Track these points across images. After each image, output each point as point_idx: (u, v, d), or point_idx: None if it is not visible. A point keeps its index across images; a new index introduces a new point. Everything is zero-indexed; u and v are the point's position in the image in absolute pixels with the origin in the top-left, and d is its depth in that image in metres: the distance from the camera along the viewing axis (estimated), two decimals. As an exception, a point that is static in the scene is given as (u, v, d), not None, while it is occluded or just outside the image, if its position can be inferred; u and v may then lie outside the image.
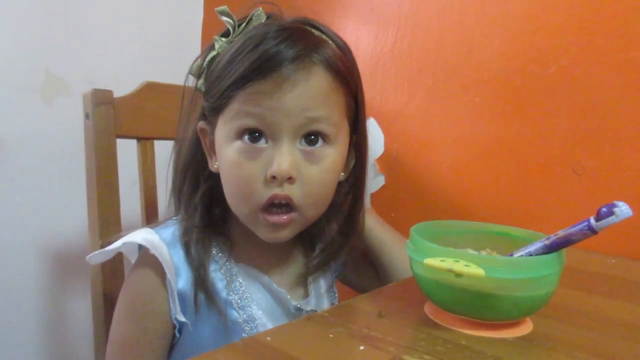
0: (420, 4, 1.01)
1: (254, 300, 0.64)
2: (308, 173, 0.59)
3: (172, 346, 0.65)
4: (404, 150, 1.03)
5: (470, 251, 0.55)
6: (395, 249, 0.75)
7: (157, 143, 0.89)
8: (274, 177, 0.57)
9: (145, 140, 0.87)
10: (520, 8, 0.90)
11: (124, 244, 0.63)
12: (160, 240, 0.62)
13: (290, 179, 0.57)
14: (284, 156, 0.57)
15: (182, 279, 0.61)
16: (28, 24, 1.08)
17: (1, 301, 1.10)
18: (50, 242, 1.15)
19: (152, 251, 0.60)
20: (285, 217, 0.59)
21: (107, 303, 0.78)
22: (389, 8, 1.05)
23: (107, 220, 0.79)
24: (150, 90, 0.87)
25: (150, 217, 0.86)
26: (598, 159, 0.84)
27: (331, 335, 0.46)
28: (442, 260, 0.46)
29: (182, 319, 0.61)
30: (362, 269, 0.79)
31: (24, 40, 1.08)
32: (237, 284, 0.64)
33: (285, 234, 0.62)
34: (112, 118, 0.81)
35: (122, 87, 0.83)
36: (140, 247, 0.66)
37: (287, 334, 0.46)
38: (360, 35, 1.07)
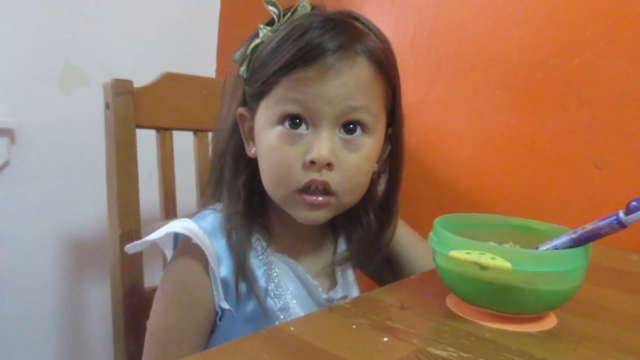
0: (440, -5, 1.00)
1: (288, 289, 0.65)
2: (346, 160, 0.60)
3: (210, 333, 0.65)
4: (423, 143, 1.03)
5: (493, 244, 0.55)
6: (417, 242, 0.75)
7: (175, 133, 0.89)
8: (312, 163, 0.58)
9: (164, 131, 0.87)
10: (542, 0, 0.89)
11: (166, 233, 0.63)
12: (201, 229, 0.63)
13: (329, 165, 0.58)
14: (324, 143, 0.58)
15: (224, 267, 0.62)
16: (47, 15, 1.09)
17: (20, 290, 1.11)
18: (69, 232, 1.17)
19: (195, 240, 0.61)
20: (321, 198, 0.60)
21: (126, 292, 0.78)
22: (409, -1, 1.04)
23: (126, 209, 0.79)
24: (170, 80, 0.87)
25: (168, 207, 0.87)
26: (620, 153, 0.83)
27: (354, 327, 0.46)
28: (467, 253, 0.45)
29: (226, 306, 0.61)
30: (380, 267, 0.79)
31: (44, 31, 1.08)
32: (274, 272, 0.65)
33: (321, 215, 0.62)
34: (132, 108, 0.81)
35: (140, 77, 0.83)
36: (176, 238, 0.67)
37: (310, 324, 0.46)
38: (379, 27, 1.06)
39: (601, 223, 0.46)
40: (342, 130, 0.60)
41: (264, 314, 0.63)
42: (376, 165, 0.67)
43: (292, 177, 0.59)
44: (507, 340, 0.45)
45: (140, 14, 1.24)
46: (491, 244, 0.55)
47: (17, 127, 1.06)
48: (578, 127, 0.86)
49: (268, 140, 0.61)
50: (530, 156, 0.91)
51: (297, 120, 0.59)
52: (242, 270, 0.62)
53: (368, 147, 0.61)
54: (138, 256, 0.80)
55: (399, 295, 0.54)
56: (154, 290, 0.82)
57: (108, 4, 1.18)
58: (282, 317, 0.64)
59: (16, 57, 1.05)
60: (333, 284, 0.70)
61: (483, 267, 0.44)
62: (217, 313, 0.63)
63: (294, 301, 0.65)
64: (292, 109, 0.59)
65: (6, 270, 1.09)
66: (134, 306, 0.79)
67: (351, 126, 0.60)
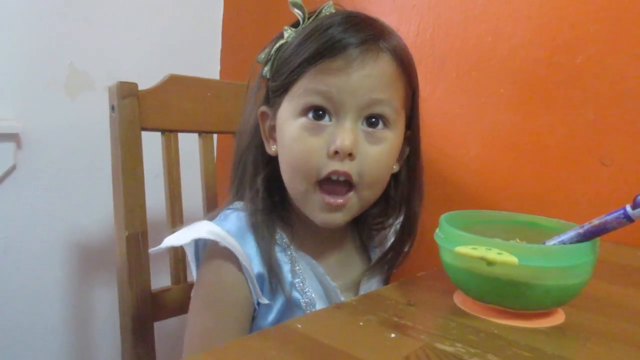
0: (443, -6, 1.00)
1: (311, 286, 0.66)
2: (367, 152, 0.60)
3: None
4: (428, 142, 1.02)
5: (500, 240, 0.54)
6: None
7: (180, 135, 0.89)
8: (336, 153, 0.58)
9: (169, 133, 0.87)
10: (546, -3, 0.89)
11: (192, 240, 0.63)
12: (225, 231, 0.63)
13: (350, 155, 0.59)
14: (347, 133, 0.58)
15: (255, 264, 0.63)
16: (52, 20, 1.09)
17: (27, 293, 1.12)
18: (76, 235, 1.17)
19: (223, 243, 0.61)
20: (341, 200, 0.60)
21: (133, 295, 0.79)
22: (411, -1, 1.04)
23: (132, 212, 0.79)
24: (175, 83, 0.87)
25: (174, 209, 0.87)
26: (626, 149, 0.82)
27: (361, 323, 0.46)
28: (473, 249, 0.45)
29: (264, 301, 0.62)
30: None
31: (48, 36, 1.09)
32: (298, 268, 0.66)
33: (339, 218, 0.62)
34: (137, 110, 0.81)
35: (144, 80, 0.84)
36: (196, 240, 0.66)
37: (318, 321, 0.46)
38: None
39: (608, 217, 0.45)
40: (364, 123, 0.61)
41: (290, 308, 0.64)
42: (395, 166, 0.67)
43: (314, 167, 0.60)
44: (515, 336, 0.45)
45: (144, 17, 1.25)
46: (497, 240, 0.55)
47: (23, 132, 1.06)
48: (584, 124, 0.86)
49: (290, 132, 0.61)
50: (536, 154, 0.91)
51: (321, 112, 0.60)
52: (269, 264, 0.63)
53: (390, 141, 0.62)
54: (145, 259, 0.80)
55: (406, 292, 0.54)
56: (161, 292, 0.83)
57: (112, 8, 1.18)
58: (308, 311, 0.64)
59: (21, 62, 1.06)
60: (355, 294, 0.70)
61: (490, 263, 0.44)
62: (255, 309, 0.64)
63: (317, 298, 0.66)
64: (316, 100, 0.59)
65: (13, 274, 1.09)
66: (141, 308, 0.79)
67: (373, 120, 0.61)
